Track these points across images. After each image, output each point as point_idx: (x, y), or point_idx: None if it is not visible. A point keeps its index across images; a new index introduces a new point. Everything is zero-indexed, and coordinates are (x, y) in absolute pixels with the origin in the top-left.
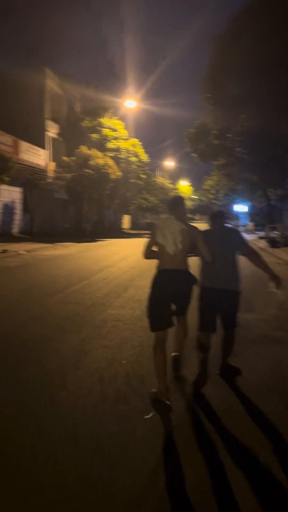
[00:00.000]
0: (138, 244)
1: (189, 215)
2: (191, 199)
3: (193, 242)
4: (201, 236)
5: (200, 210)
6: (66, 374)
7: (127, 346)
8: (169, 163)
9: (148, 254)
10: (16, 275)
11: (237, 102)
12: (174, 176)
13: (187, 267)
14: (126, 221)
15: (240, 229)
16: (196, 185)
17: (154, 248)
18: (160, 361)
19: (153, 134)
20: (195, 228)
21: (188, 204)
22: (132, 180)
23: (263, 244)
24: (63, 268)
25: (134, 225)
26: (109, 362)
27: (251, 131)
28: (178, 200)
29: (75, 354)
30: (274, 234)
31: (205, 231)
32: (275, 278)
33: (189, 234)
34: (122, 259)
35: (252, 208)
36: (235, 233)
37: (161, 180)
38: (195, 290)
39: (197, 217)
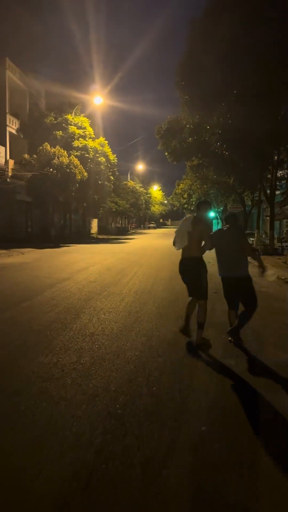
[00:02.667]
0: (106, 251)
1: (161, 220)
2: (163, 204)
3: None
4: (207, 235)
5: (172, 215)
6: None
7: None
8: (140, 167)
9: (177, 244)
10: None
11: (217, 91)
12: (146, 180)
13: (197, 255)
14: (94, 226)
15: None
16: (168, 190)
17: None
18: (187, 308)
19: (122, 133)
20: (206, 226)
21: (159, 209)
22: (101, 182)
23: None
24: (6, 282)
25: (104, 229)
26: None
27: (231, 123)
28: (202, 203)
29: None
30: (251, 241)
31: (219, 230)
32: (262, 268)
33: (196, 233)
34: (82, 269)
35: (230, 216)
36: (241, 233)
37: (132, 183)
38: (205, 275)
39: (168, 222)
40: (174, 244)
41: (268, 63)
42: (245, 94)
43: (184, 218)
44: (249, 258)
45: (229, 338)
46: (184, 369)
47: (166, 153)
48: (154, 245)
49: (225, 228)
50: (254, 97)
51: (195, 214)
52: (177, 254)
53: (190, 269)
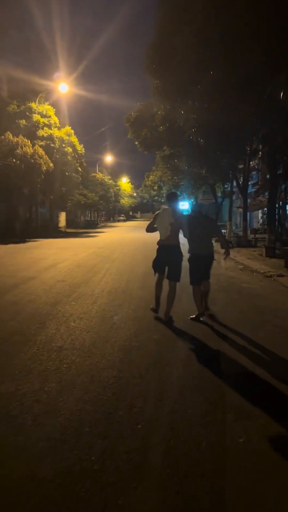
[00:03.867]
0: (75, 246)
1: (130, 213)
2: (132, 197)
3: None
4: (185, 224)
5: (141, 208)
6: None
7: None
8: (109, 158)
9: (150, 230)
10: None
11: (191, 73)
12: (114, 173)
13: (177, 243)
14: (62, 219)
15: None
16: (138, 182)
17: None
18: (157, 291)
19: (90, 123)
20: (183, 218)
21: (129, 201)
22: (68, 174)
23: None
24: None
25: (73, 223)
26: None
27: (208, 107)
28: (172, 195)
29: None
30: (223, 233)
31: (192, 217)
32: (227, 253)
33: (176, 223)
34: (50, 266)
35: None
36: (212, 221)
37: (101, 175)
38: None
39: (138, 215)
40: (147, 230)
41: (248, 38)
42: (221, 76)
43: (163, 209)
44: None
45: (208, 313)
46: (172, 391)
47: (136, 142)
48: (126, 239)
49: (196, 215)
50: (232, 79)
51: (170, 207)
52: (151, 248)
53: (171, 255)
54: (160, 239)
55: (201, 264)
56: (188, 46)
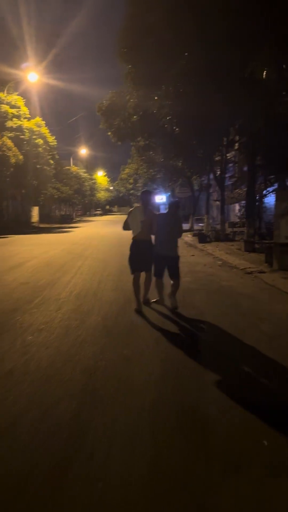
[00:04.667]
0: (47, 242)
1: (107, 207)
2: (108, 191)
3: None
4: (155, 222)
5: (118, 201)
6: None
7: None
8: (83, 151)
9: (126, 228)
10: None
11: (165, 54)
12: (90, 166)
13: (149, 238)
14: (35, 214)
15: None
16: (114, 175)
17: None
18: (135, 289)
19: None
20: (154, 216)
21: (105, 195)
22: (40, 166)
23: (190, 238)
24: None
25: (46, 217)
26: None
27: (183, 91)
28: (146, 194)
29: None
30: (200, 226)
31: (163, 216)
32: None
33: (148, 220)
34: (16, 266)
35: (174, 204)
36: (179, 221)
37: (75, 169)
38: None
39: (115, 208)
40: (124, 228)
41: (223, 14)
42: (197, 58)
43: (135, 207)
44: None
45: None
46: (144, 434)
47: (109, 133)
48: (101, 234)
49: (167, 214)
50: (208, 60)
51: (142, 205)
52: (126, 243)
53: (144, 249)
54: (133, 235)
55: (164, 263)
56: (161, 26)
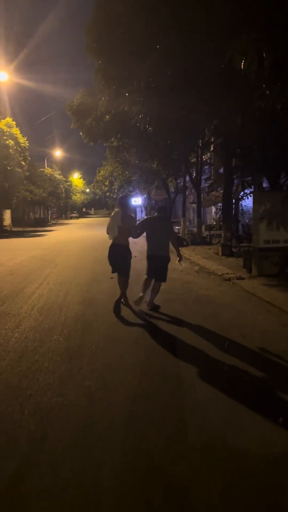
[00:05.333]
0: (17, 247)
1: (84, 209)
2: (84, 193)
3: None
4: (133, 226)
5: (95, 204)
6: None
7: None
8: (58, 153)
9: (108, 232)
10: None
11: (136, 45)
12: (65, 168)
13: (126, 243)
14: (8, 217)
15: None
16: (90, 178)
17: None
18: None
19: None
20: (132, 220)
21: (81, 198)
22: (11, 168)
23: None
24: None
25: (20, 221)
26: None
27: (155, 87)
28: (123, 199)
29: None
30: (176, 229)
31: (150, 218)
32: (180, 257)
33: (126, 225)
34: None
35: (148, 201)
36: (169, 225)
37: (50, 171)
38: (130, 257)
39: (92, 211)
40: (107, 233)
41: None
42: (170, 48)
43: (115, 212)
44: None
45: (147, 307)
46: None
47: (81, 133)
48: (75, 237)
49: (156, 218)
50: (183, 50)
51: (120, 210)
52: (100, 248)
53: (119, 253)
54: (110, 238)
55: (156, 264)
56: (131, 15)
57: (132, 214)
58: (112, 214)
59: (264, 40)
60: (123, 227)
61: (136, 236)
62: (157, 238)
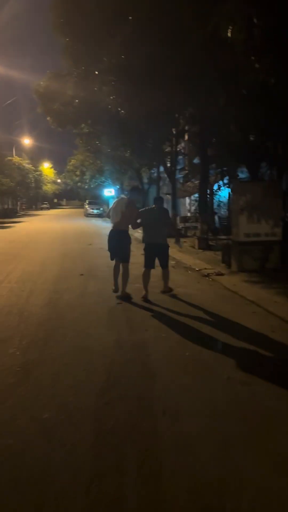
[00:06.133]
0: None
1: (55, 200)
2: (56, 183)
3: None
4: (135, 215)
5: (67, 194)
6: None
7: None
8: (27, 141)
9: (107, 216)
10: None
11: (107, 21)
12: (36, 157)
13: (126, 228)
14: None
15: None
16: (61, 168)
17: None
18: (115, 275)
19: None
20: (134, 210)
21: (52, 188)
22: None
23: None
24: None
25: None
26: None
27: (129, 64)
28: (134, 189)
29: None
30: None
31: (148, 209)
32: (178, 240)
33: (126, 212)
34: None
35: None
36: (166, 212)
37: (18, 159)
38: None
39: (64, 202)
40: (108, 217)
41: None
42: (147, 18)
43: (120, 197)
44: None
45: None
46: None
47: (48, 118)
48: (44, 229)
49: (154, 208)
50: (158, 21)
51: (127, 196)
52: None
53: (119, 238)
54: (112, 223)
55: (155, 252)
56: None
57: (137, 205)
58: (117, 199)
59: (254, 4)
60: (125, 214)
61: (136, 226)
62: (154, 226)
